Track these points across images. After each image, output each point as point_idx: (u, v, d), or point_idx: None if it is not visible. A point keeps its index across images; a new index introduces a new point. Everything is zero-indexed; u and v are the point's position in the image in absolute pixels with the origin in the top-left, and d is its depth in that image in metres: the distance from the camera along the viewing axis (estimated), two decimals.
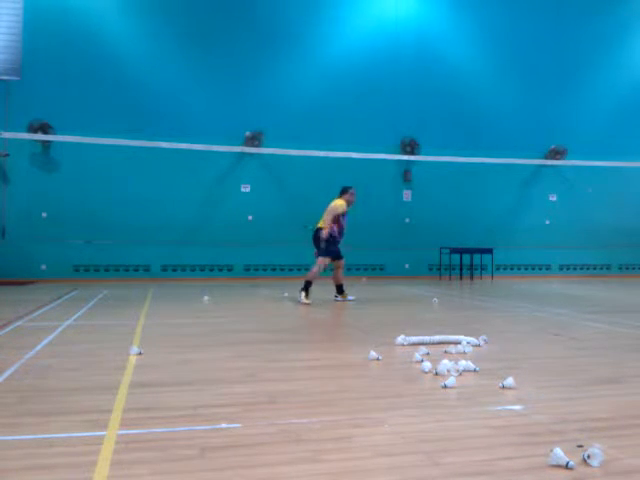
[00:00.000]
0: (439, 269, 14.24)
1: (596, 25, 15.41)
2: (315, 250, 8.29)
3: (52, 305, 7.72)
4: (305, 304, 7.83)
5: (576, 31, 15.34)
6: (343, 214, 8.22)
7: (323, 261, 8.20)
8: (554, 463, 2.14)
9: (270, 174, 13.50)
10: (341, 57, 14.01)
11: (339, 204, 8.19)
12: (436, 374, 3.60)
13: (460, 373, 3.61)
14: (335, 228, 8.15)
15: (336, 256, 8.33)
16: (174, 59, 13.20)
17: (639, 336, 5.29)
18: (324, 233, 8.05)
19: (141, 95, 12.90)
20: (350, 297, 8.40)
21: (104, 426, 2.60)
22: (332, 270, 8.53)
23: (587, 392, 3.26)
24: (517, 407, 2.93)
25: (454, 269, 14.20)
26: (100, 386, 3.35)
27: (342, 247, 8.50)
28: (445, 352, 4.32)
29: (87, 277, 12.44)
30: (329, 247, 8.19)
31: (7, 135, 11.89)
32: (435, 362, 3.76)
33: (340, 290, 8.42)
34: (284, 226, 13.20)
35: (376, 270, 14.11)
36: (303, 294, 7.98)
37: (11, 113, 12.23)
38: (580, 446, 2.31)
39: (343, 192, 8.40)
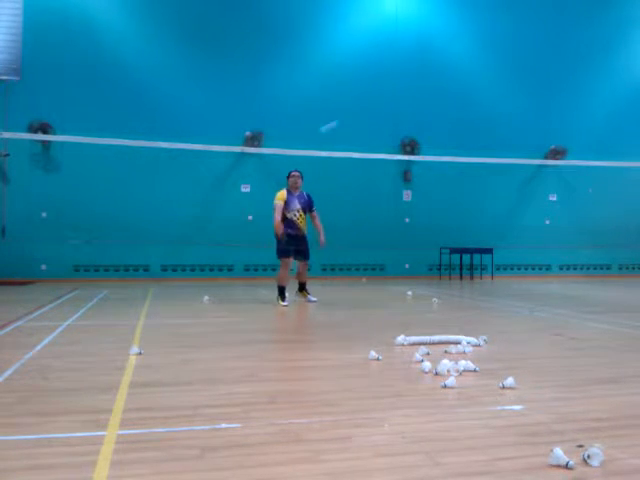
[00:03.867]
0: (439, 269, 14.24)
1: (596, 25, 15.41)
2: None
3: (52, 305, 7.72)
4: (283, 306, 7.67)
5: (576, 31, 15.34)
6: (287, 203, 7.87)
7: (282, 263, 7.91)
8: (554, 463, 2.14)
9: (270, 174, 13.48)
10: (341, 57, 14.01)
11: (277, 197, 7.90)
12: (436, 374, 3.59)
13: (460, 373, 3.61)
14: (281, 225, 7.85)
15: (286, 255, 7.90)
16: (174, 59, 13.20)
17: (639, 336, 5.29)
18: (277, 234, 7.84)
19: (141, 95, 12.89)
20: (285, 302, 7.86)
21: (104, 426, 2.60)
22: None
23: (587, 392, 3.26)
24: (517, 407, 2.93)
25: (454, 269, 14.20)
26: (100, 386, 3.35)
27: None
28: (445, 352, 4.32)
29: (87, 277, 12.44)
30: (279, 246, 7.91)
31: (7, 135, 11.89)
32: (435, 362, 3.76)
33: (304, 288, 8.26)
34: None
35: (376, 270, 14.11)
36: (279, 299, 7.88)
37: (11, 113, 12.23)
38: (580, 446, 2.31)
39: (286, 178, 8.15)
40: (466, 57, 14.72)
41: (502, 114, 14.78)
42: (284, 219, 7.94)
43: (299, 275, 8.31)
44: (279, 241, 7.94)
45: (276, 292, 7.98)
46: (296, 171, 8.15)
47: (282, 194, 7.97)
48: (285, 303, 7.77)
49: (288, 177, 8.14)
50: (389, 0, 14.44)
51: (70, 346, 4.68)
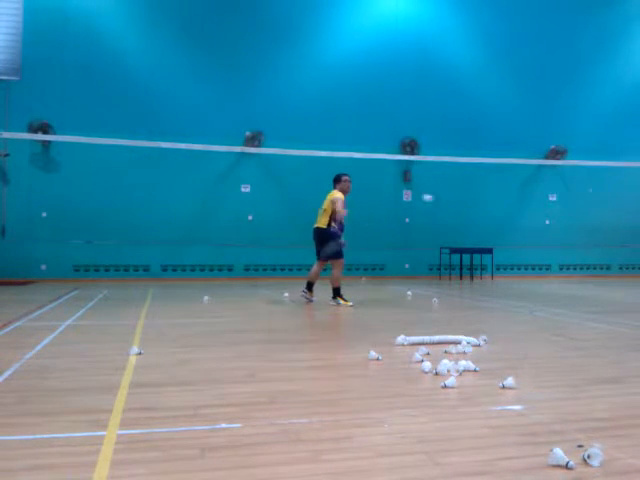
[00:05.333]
0: (439, 269, 14.24)
1: (596, 25, 15.41)
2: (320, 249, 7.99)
3: (52, 305, 7.72)
4: (350, 306, 7.68)
5: (576, 31, 15.34)
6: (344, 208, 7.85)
7: (339, 263, 7.85)
8: (554, 463, 2.14)
9: (270, 174, 13.50)
10: (341, 57, 14.01)
11: (338, 195, 7.78)
12: (436, 374, 3.59)
13: (460, 373, 3.61)
14: (334, 225, 7.81)
15: (342, 255, 7.91)
16: (174, 59, 13.20)
17: (639, 336, 5.29)
18: (334, 225, 7.68)
19: (141, 95, 12.89)
20: (314, 298, 8.14)
21: (104, 426, 2.60)
22: (317, 268, 8.23)
23: (587, 392, 3.26)
24: (517, 407, 2.93)
25: (454, 269, 14.20)
26: (100, 386, 3.35)
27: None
28: (445, 352, 4.32)
29: (87, 277, 12.44)
30: (335, 247, 7.80)
31: (7, 135, 11.89)
32: (435, 362, 3.76)
33: (310, 287, 8.18)
34: (284, 226, 13.21)
35: (376, 270, 14.10)
36: (307, 293, 8.08)
37: (11, 113, 12.23)
38: (580, 446, 2.31)
39: (336, 181, 8.04)
40: (466, 57, 14.72)
41: (502, 114, 14.78)
42: (337, 222, 7.79)
43: (316, 274, 8.19)
44: (334, 241, 7.80)
45: (332, 294, 7.90)
46: (347, 175, 8.09)
47: (341, 194, 7.86)
48: (351, 303, 7.76)
49: (339, 181, 7.99)
50: (389, 1, 14.45)
51: (70, 346, 4.68)
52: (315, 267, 8.18)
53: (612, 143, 15.16)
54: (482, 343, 4.67)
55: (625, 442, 2.42)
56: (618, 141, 15.27)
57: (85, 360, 4.11)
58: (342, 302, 7.79)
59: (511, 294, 9.85)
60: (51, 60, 12.52)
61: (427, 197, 7.61)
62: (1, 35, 12.41)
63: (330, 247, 7.84)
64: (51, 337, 5.04)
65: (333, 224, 7.83)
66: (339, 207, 7.65)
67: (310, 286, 8.25)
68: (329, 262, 8.00)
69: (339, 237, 7.87)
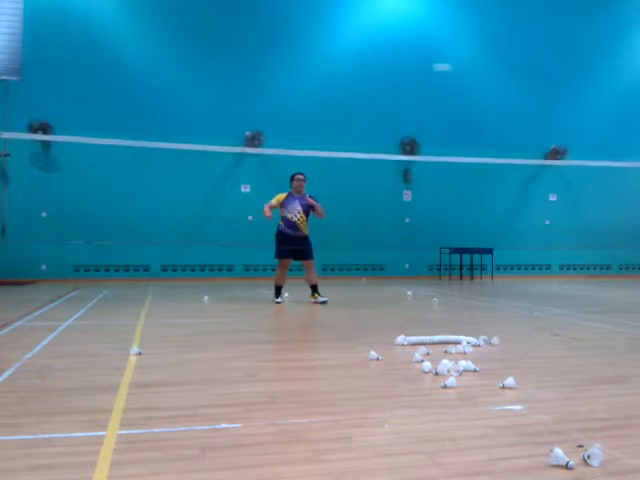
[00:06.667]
0: (439, 269, 14.24)
1: (597, 25, 15.41)
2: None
3: (52, 305, 7.72)
4: (276, 303, 7.96)
5: (577, 31, 15.34)
6: (284, 205, 7.97)
7: (279, 263, 8.12)
8: (554, 463, 2.14)
9: (270, 174, 13.49)
10: (341, 57, 14.01)
11: (273, 200, 8.03)
12: (436, 374, 3.59)
13: (460, 373, 3.61)
14: (281, 223, 8.03)
15: (283, 256, 8.03)
16: (174, 59, 13.20)
17: (639, 336, 5.29)
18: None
19: (141, 95, 12.89)
20: (321, 299, 8.00)
21: (104, 426, 2.59)
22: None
23: (587, 392, 3.26)
24: (517, 407, 2.93)
25: (454, 269, 14.20)
26: (100, 386, 3.35)
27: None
28: (445, 352, 4.32)
29: (87, 277, 12.44)
30: (277, 247, 8.06)
31: (7, 135, 11.89)
32: (435, 362, 3.76)
33: (314, 290, 8.19)
34: None
35: (376, 270, 14.10)
36: (274, 296, 8.17)
37: (11, 113, 12.23)
38: (580, 446, 2.31)
39: (290, 179, 8.23)
40: (466, 57, 14.71)
41: (502, 114, 14.78)
42: (284, 219, 8.03)
43: (307, 277, 8.23)
44: (277, 242, 8.08)
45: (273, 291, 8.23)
46: (301, 174, 8.18)
47: (281, 196, 8.11)
48: (278, 300, 8.03)
49: (292, 179, 8.19)
50: (389, 0, 14.44)
51: (70, 346, 4.68)
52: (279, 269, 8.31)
53: (612, 143, 15.15)
54: (482, 343, 4.67)
55: (625, 442, 2.42)
56: (618, 141, 15.27)
57: (85, 360, 4.11)
58: (274, 299, 8.04)
59: (511, 294, 9.85)
60: (51, 60, 12.52)
61: (441, 67, 6.90)
62: (1, 35, 12.41)
63: (275, 248, 8.14)
64: (51, 337, 5.04)
65: (280, 222, 8.07)
66: (266, 211, 7.90)
67: (314, 288, 8.23)
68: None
69: (287, 236, 7.94)
